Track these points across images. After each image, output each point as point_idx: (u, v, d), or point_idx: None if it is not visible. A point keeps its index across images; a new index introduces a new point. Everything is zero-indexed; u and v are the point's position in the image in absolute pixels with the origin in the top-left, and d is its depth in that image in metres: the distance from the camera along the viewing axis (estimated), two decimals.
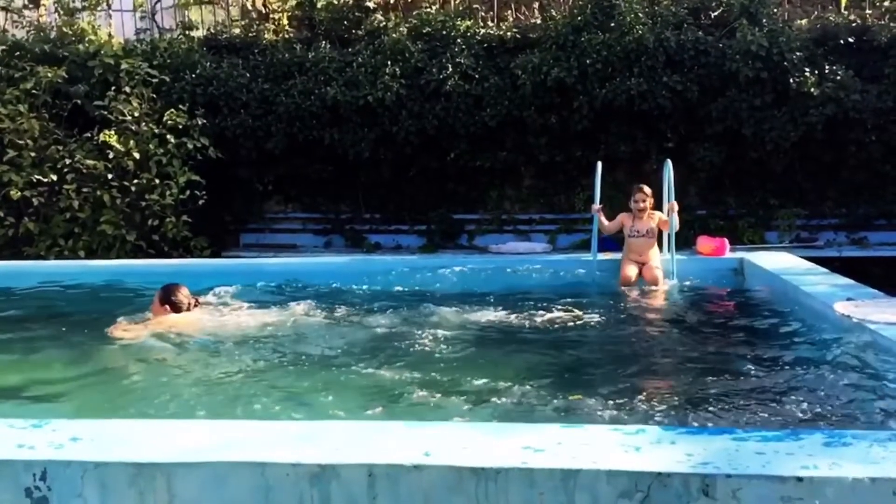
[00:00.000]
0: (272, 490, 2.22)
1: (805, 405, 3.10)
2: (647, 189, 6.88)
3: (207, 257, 9.09)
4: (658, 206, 7.07)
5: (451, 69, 9.12)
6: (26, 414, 3.31)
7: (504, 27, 9.76)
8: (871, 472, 2.07)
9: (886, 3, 9.47)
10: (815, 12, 9.66)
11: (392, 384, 3.77)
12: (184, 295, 5.13)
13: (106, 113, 8.98)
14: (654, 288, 6.37)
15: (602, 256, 6.96)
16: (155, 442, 2.41)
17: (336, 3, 10.03)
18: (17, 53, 9.59)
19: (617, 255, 7.31)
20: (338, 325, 5.15)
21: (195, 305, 5.20)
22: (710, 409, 3.16)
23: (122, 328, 4.97)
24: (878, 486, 2.03)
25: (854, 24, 9.07)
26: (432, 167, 9.71)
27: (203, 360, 4.40)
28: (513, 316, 5.26)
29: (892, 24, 8.91)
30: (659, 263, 6.65)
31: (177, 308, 5.05)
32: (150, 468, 2.27)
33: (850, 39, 8.95)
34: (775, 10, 9.10)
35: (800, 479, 2.05)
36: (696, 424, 2.94)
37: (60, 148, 9.04)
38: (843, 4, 9.65)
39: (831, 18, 9.28)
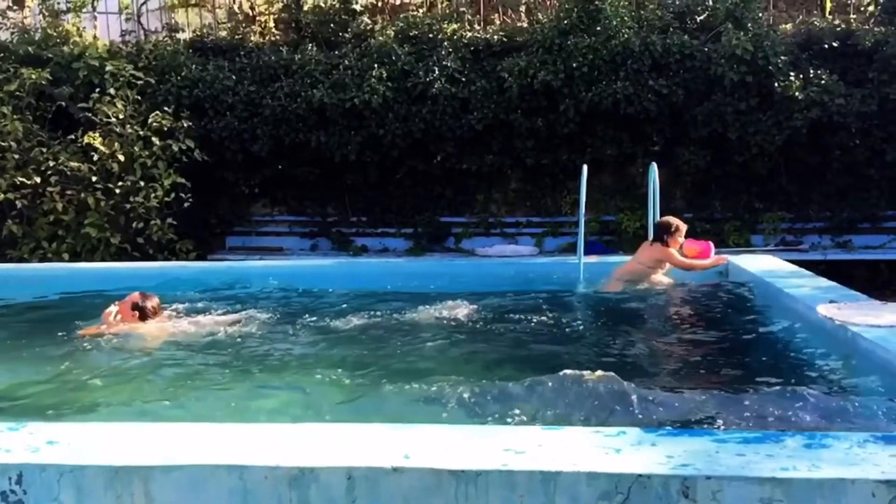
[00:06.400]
0: (250, 493, 2.20)
1: (785, 407, 3.10)
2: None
3: (193, 260, 9.05)
4: (644, 209, 7.08)
5: (437, 72, 9.13)
6: (2, 417, 3.28)
7: (490, 30, 9.79)
8: (850, 473, 2.07)
9: (871, 8, 9.55)
10: (800, 17, 9.74)
11: (370, 386, 3.75)
12: (154, 304, 5.16)
13: (90, 115, 8.95)
14: (639, 290, 6.36)
15: (588, 259, 6.95)
16: (132, 445, 2.38)
17: (323, 5, 10.03)
18: (1, 55, 9.57)
19: (605, 258, 7.32)
20: (317, 327, 5.11)
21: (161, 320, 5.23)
22: (688, 410, 3.17)
23: (93, 331, 4.97)
24: (858, 488, 2.03)
25: (838, 29, 9.14)
26: (419, 170, 9.72)
27: (175, 365, 4.36)
28: (498, 319, 5.25)
29: (875, 29, 8.98)
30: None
31: (145, 316, 5.08)
32: (127, 471, 2.25)
33: (835, 44, 9.01)
34: (760, 15, 9.15)
35: (779, 481, 2.05)
36: (675, 426, 2.93)
37: (44, 150, 8.99)
38: (827, 9, 9.73)
39: (816, 23, 9.35)
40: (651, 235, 6.98)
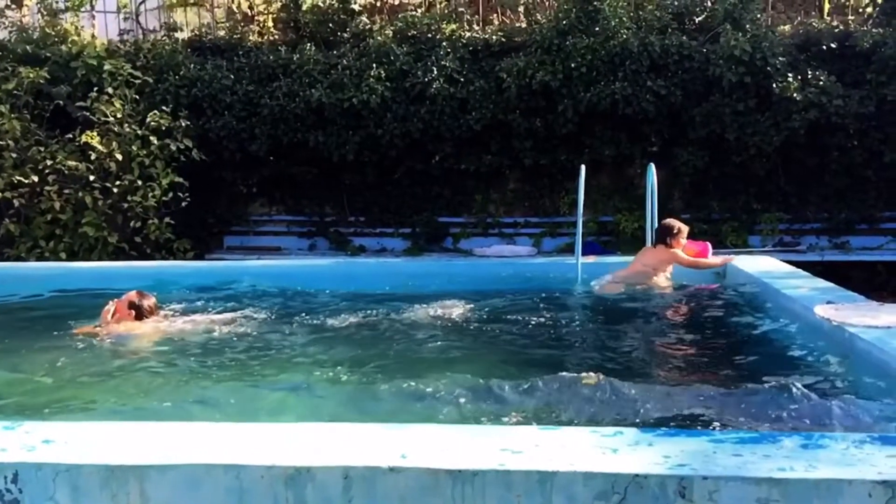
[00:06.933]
0: (246, 492, 2.20)
1: (782, 407, 3.11)
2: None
3: (190, 260, 9.04)
4: (642, 210, 7.07)
5: (436, 72, 9.13)
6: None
7: (489, 30, 9.79)
8: (847, 473, 2.07)
9: (869, 9, 9.56)
10: (798, 18, 9.74)
11: (366, 385, 3.75)
12: (150, 303, 5.15)
13: (88, 114, 8.94)
14: (637, 291, 6.36)
15: (585, 260, 6.95)
16: (127, 444, 2.38)
17: (321, 5, 10.02)
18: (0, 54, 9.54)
19: (602, 259, 7.32)
20: (313, 327, 5.11)
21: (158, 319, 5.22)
22: (687, 410, 3.17)
23: (88, 330, 4.96)
24: (854, 488, 2.03)
25: (836, 30, 9.14)
26: (417, 170, 9.72)
27: (171, 364, 4.36)
28: (495, 319, 5.25)
29: (873, 30, 8.98)
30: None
31: (141, 315, 5.07)
32: (123, 470, 2.24)
33: (833, 45, 9.01)
34: (759, 16, 9.16)
35: (776, 481, 2.04)
36: (672, 426, 2.93)
37: (42, 149, 8.98)
38: (825, 10, 9.73)
39: (814, 24, 9.35)
40: (649, 236, 6.99)
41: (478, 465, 2.15)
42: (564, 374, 3.50)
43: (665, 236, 6.38)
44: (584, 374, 3.46)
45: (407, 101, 9.22)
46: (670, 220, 6.55)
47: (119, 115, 8.93)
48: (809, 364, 3.99)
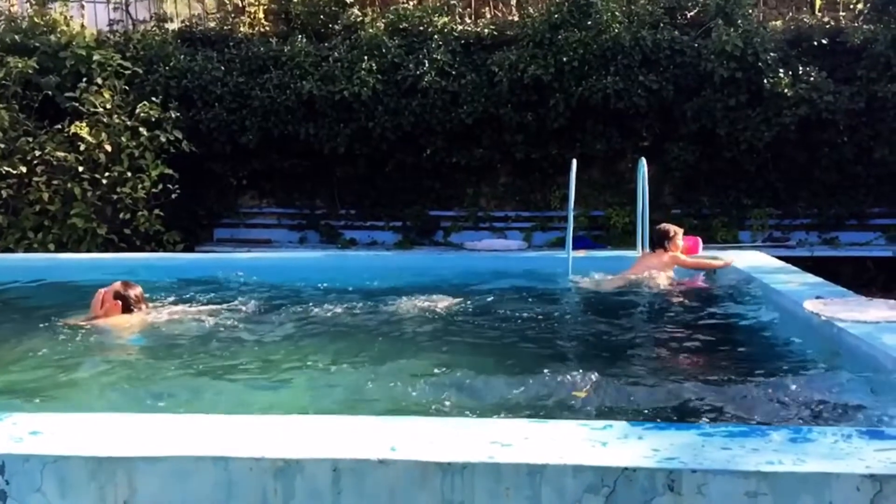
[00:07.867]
0: (235, 485, 2.19)
1: (770, 401, 3.12)
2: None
3: (180, 252, 9.00)
4: (633, 205, 7.06)
5: (427, 65, 9.11)
6: None
7: (481, 24, 9.78)
8: (835, 467, 2.07)
9: (859, 6, 9.58)
10: (790, 14, 9.76)
11: (356, 378, 3.74)
12: (137, 293, 5.10)
13: (77, 105, 8.88)
14: (628, 286, 6.37)
15: (576, 254, 6.95)
16: (116, 436, 2.36)
17: None
18: None
19: (592, 253, 7.33)
20: (301, 320, 5.08)
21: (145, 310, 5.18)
22: (676, 404, 3.18)
23: (73, 322, 4.93)
24: (842, 482, 2.03)
25: (828, 26, 9.18)
26: (408, 163, 9.70)
27: (158, 356, 4.33)
28: (486, 312, 5.25)
29: (864, 26, 9.01)
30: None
31: (127, 305, 5.02)
32: (111, 462, 2.23)
33: (824, 41, 9.04)
34: (750, 11, 9.17)
35: (765, 475, 2.05)
36: (661, 420, 2.94)
37: (30, 140, 8.92)
38: (817, 6, 9.76)
39: (805, 20, 9.38)
40: (639, 231, 7.00)
41: (467, 458, 2.14)
42: (555, 379, 3.48)
43: (662, 241, 6.43)
44: (577, 382, 3.44)
45: (398, 94, 9.20)
46: (665, 225, 6.58)
47: (108, 106, 8.88)
48: (798, 359, 4.01)
